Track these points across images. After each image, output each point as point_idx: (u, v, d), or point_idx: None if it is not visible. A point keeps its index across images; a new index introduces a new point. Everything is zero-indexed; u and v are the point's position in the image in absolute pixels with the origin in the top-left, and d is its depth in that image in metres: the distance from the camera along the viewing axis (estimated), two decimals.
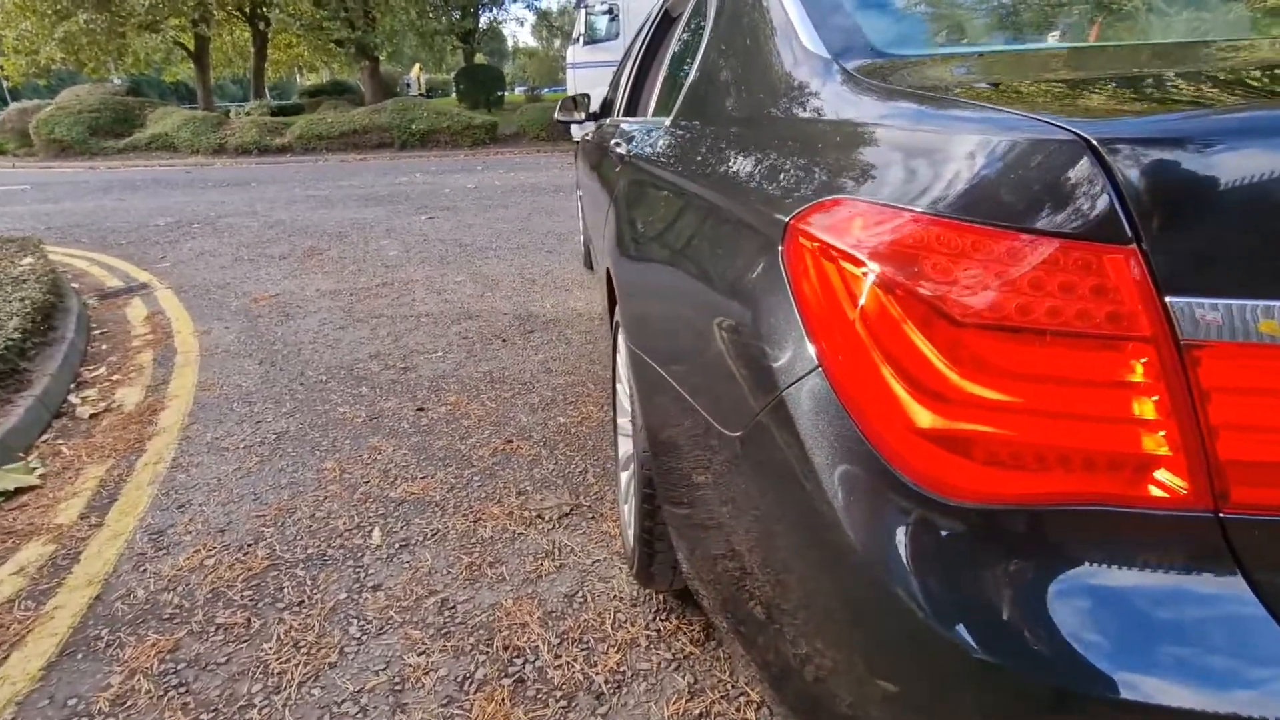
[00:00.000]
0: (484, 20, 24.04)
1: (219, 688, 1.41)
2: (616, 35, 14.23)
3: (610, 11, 14.38)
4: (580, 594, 1.65)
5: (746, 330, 0.80)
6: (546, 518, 1.96)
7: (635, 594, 1.64)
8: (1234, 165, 0.49)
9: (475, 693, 1.37)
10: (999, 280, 0.55)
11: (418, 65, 33.92)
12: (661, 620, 1.56)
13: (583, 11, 14.43)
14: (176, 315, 4.01)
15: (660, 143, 1.45)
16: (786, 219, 0.74)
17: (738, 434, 0.81)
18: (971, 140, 0.60)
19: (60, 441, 2.52)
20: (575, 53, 14.59)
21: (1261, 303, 0.49)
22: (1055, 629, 0.53)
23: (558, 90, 31.66)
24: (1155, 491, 0.53)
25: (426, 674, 1.42)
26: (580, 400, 2.72)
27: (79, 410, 2.77)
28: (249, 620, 1.60)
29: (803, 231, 0.71)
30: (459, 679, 1.41)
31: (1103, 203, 0.51)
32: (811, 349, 0.68)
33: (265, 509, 2.04)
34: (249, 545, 1.88)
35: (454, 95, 23.91)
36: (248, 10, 18.78)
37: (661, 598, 1.62)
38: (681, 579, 1.40)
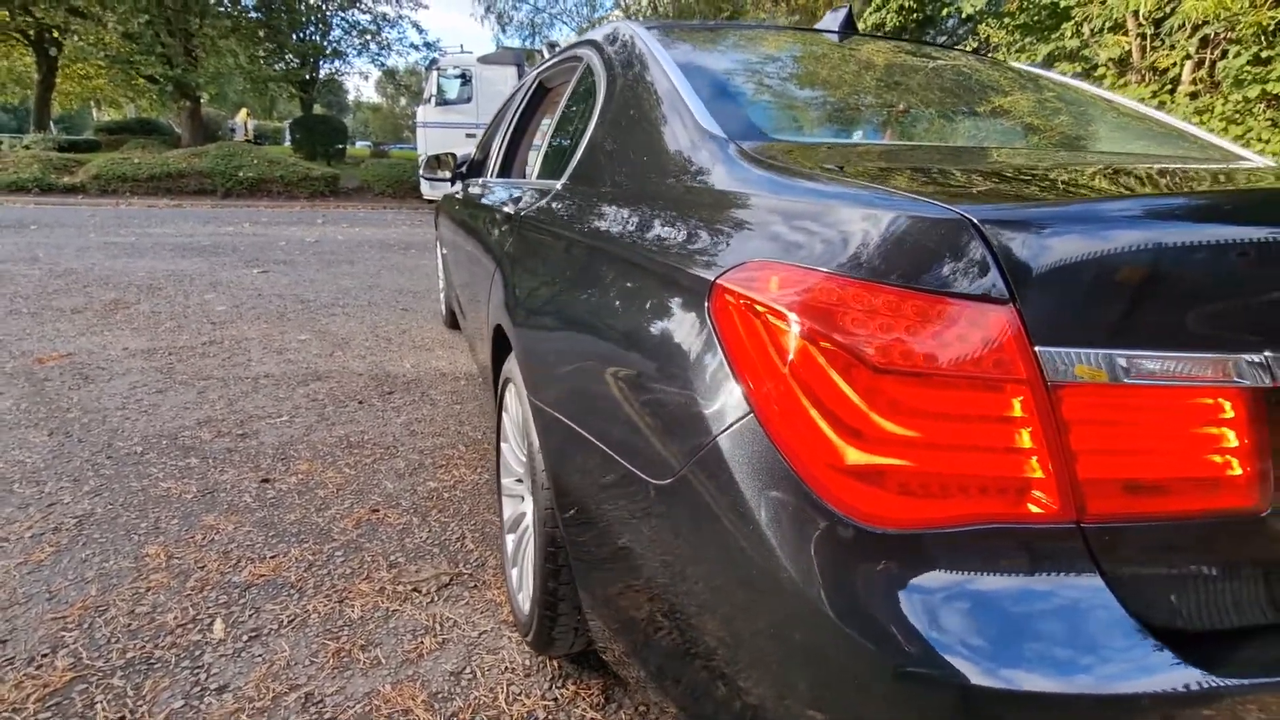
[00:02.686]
0: (324, 71, 23.11)
1: None
2: (469, 99, 14.41)
3: (463, 76, 14.56)
4: (468, 670, 1.54)
5: (673, 381, 0.84)
6: (424, 590, 1.82)
7: (528, 663, 1.57)
8: (1078, 243, 0.63)
9: None
10: (908, 333, 0.64)
11: (245, 110, 31.62)
12: (558, 688, 1.49)
13: (434, 74, 14.45)
14: None
15: (558, 205, 1.49)
16: (712, 278, 0.80)
17: (667, 481, 0.83)
18: (873, 215, 0.70)
19: None
20: (426, 112, 14.50)
21: (1102, 351, 0.62)
22: (974, 634, 0.61)
23: (404, 147, 31.00)
24: (1033, 508, 0.64)
25: None
26: (451, 463, 2.59)
27: None
28: None
29: (728, 289, 0.77)
30: None
31: (985, 270, 0.62)
32: (743, 396, 0.73)
33: (65, 609, 1.69)
34: (43, 656, 1.53)
35: (288, 144, 22.53)
36: (32, 34, 16.49)
37: (556, 664, 1.56)
38: (584, 640, 1.37)
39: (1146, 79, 6.57)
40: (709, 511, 0.76)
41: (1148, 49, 6.55)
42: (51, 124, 21.21)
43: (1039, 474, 0.63)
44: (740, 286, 0.76)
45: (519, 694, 1.47)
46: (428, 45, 23.14)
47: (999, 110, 1.63)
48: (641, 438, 0.90)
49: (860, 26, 10.12)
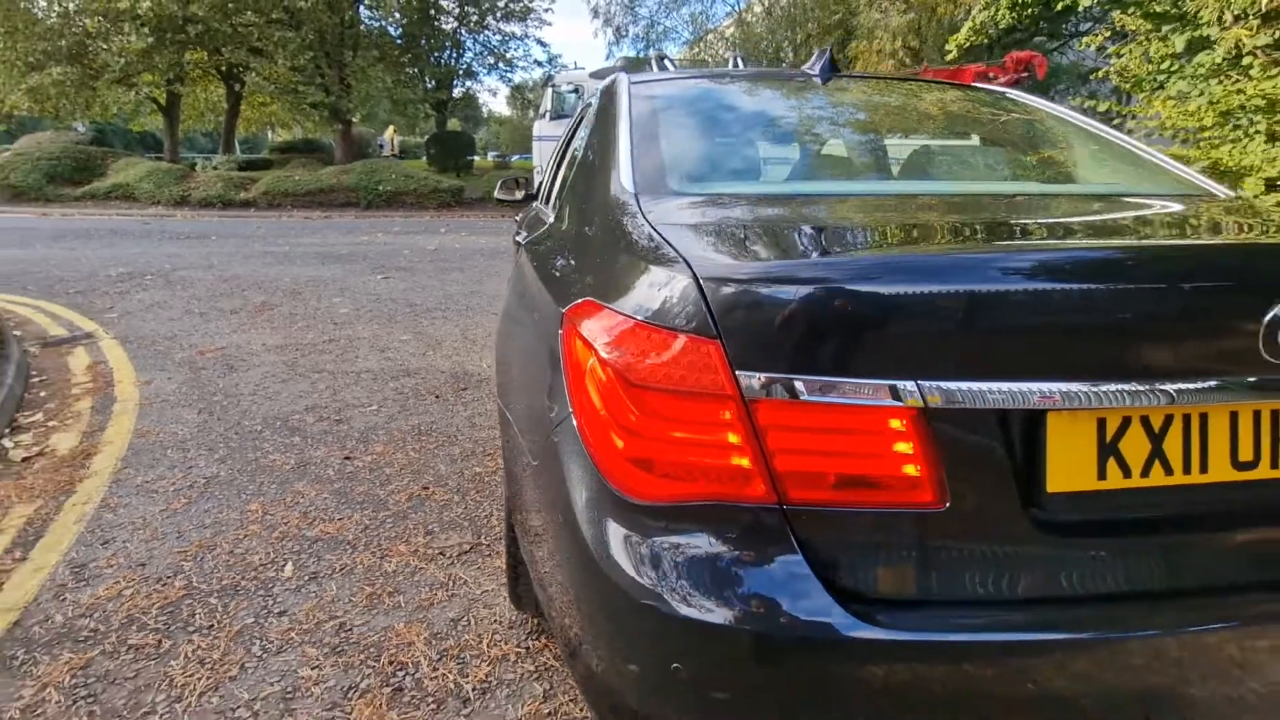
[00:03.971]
0: (458, 90, 25.08)
1: (125, 697, 1.58)
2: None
3: (576, 90, 15.34)
4: (465, 618, 1.87)
5: (544, 386, 1.10)
6: (448, 555, 2.18)
7: (514, 618, 1.87)
8: (768, 294, 0.83)
9: (357, 699, 1.57)
10: (657, 358, 0.86)
11: (392, 127, 34.88)
12: (532, 639, 1.78)
13: (549, 89, 15.35)
14: (119, 365, 4.15)
15: (535, 233, 1.79)
16: (564, 309, 1.05)
17: (536, 463, 1.10)
18: (648, 269, 0.93)
19: None
20: (541, 126, 15.40)
21: (785, 375, 0.81)
22: (694, 580, 0.83)
23: (524, 157, 32.82)
24: (750, 492, 0.84)
25: (316, 684, 1.62)
26: (498, 452, 2.96)
27: (11, 454, 2.89)
28: (160, 641, 1.77)
29: (569, 319, 1.02)
30: (345, 688, 1.61)
31: (700, 313, 0.83)
32: (568, 401, 0.98)
33: (187, 546, 2.22)
34: (168, 577, 2.05)
35: (424, 159, 24.67)
36: (224, 70, 19.33)
37: (535, 621, 1.85)
38: None
39: None
40: (551, 488, 1.02)
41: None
42: (236, 145, 24.67)
43: (749, 465, 0.83)
44: (570, 317, 1.01)
45: (499, 640, 1.78)
46: (550, 61, 24.44)
47: (936, 150, 1.73)
48: (530, 428, 1.16)
49: (968, 26, 9.61)
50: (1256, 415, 0.88)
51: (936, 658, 0.80)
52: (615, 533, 0.89)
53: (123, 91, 17.36)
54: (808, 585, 0.81)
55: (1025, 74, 12.49)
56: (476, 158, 26.00)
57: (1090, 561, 0.85)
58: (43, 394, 3.66)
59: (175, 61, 16.58)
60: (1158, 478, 0.86)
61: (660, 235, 1.01)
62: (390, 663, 1.69)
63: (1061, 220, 1.26)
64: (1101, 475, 0.85)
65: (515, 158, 37.15)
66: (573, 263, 1.19)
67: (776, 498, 0.83)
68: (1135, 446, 0.85)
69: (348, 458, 2.89)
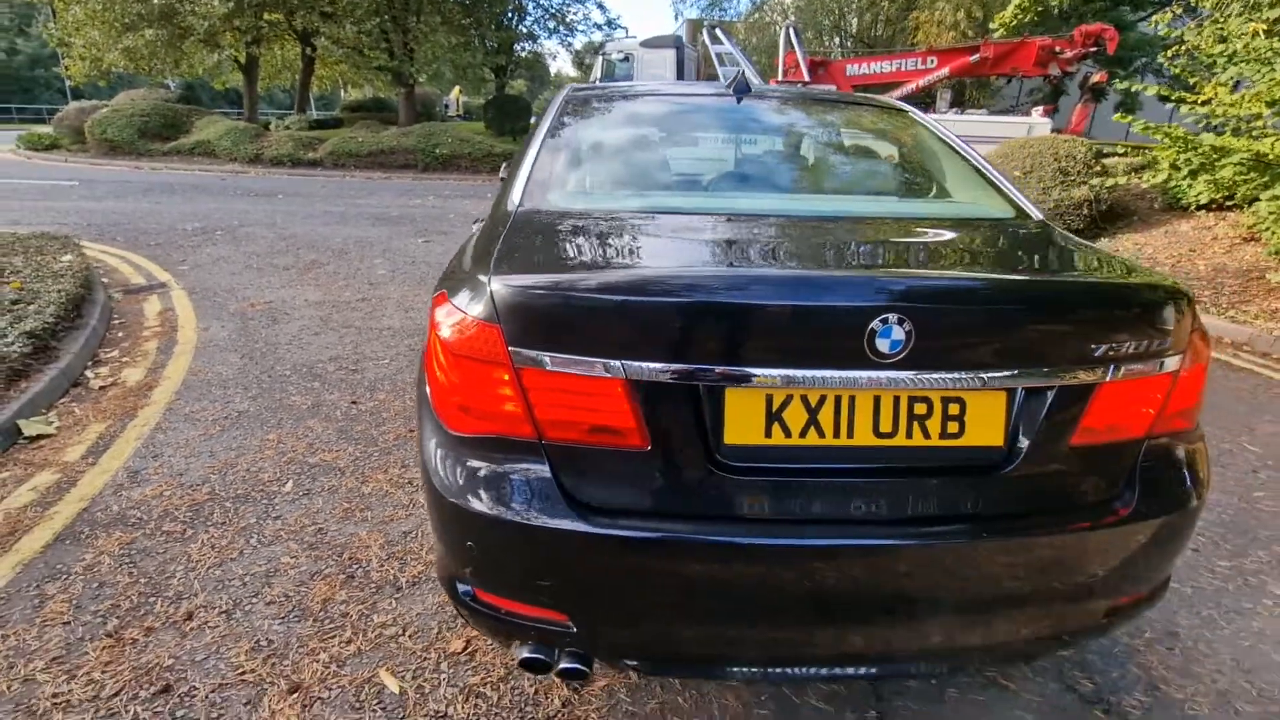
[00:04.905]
0: (524, 50, 25.27)
1: (156, 564, 2.12)
2: (629, 77, 15.29)
3: (627, 58, 15.48)
4: (415, 532, 2.34)
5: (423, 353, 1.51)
6: (414, 484, 2.66)
7: None
8: (528, 293, 1.19)
9: (319, 580, 2.07)
10: (467, 336, 1.25)
11: (457, 88, 35.54)
12: None
13: (600, 57, 15.54)
14: (184, 313, 4.81)
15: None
16: (436, 294, 1.45)
17: (418, 406, 1.51)
18: (478, 273, 1.30)
19: (74, 404, 3.28)
20: None
21: (536, 351, 1.18)
22: (483, 486, 1.23)
23: None
24: (522, 431, 1.23)
25: (292, 568, 2.12)
26: None
27: (91, 382, 3.53)
28: (184, 530, 2.31)
29: (432, 305, 1.42)
30: (311, 573, 2.11)
31: (489, 306, 1.21)
32: (424, 364, 1.38)
33: (215, 463, 2.77)
34: (198, 484, 2.60)
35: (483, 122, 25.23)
36: (299, 30, 20.26)
37: None
38: None
39: None
40: (420, 424, 1.43)
41: None
42: (311, 102, 25.80)
43: (520, 413, 1.22)
44: (434, 303, 1.40)
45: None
46: (609, 24, 24.40)
47: (780, 167, 2.02)
48: (418, 382, 1.58)
49: (1015, 4, 9.23)
50: (896, 400, 1.20)
51: (631, 548, 1.19)
52: (442, 456, 1.30)
53: (207, 52, 18.47)
54: (552, 495, 1.20)
55: (1095, 48, 11.87)
56: (532, 122, 26.35)
57: (752, 491, 1.21)
58: (120, 334, 4.33)
59: (253, 24, 17.49)
60: (813, 439, 1.20)
61: (497, 246, 1.38)
62: (350, 559, 2.18)
63: (798, 240, 1.51)
64: (768, 434, 1.20)
65: None
66: (458, 261, 1.58)
67: (537, 436, 1.22)
68: (795, 416, 1.20)
69: (354, 402, 3.40)
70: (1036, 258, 1.54)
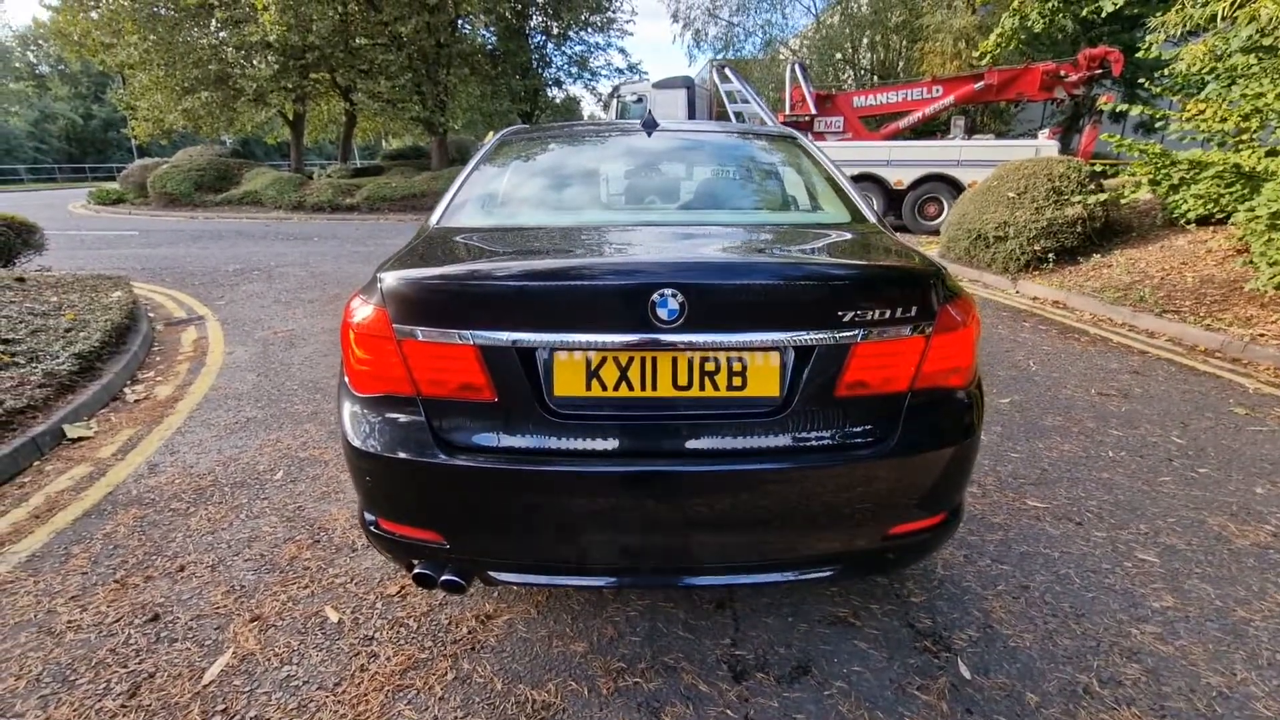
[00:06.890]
0: (549, 96, 26.49)
1: (160, 532, 2.55)
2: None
3: (640, 100, 16.23)
4: None
5: None
6: None
7: None
8: (406, 283, 1.58)
9: (290, 542, 2.46)
10: (365, 318, 1.64)
11: (491, 133, 37.23)
12: None
13: (615, 99, 16.32)
14: (215, 340, 5.39)
15: None
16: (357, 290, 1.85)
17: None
18: (380, 272, 1.70)
19: (111, 414, 3.80)
20: None
21: (409, 326, 1.55)
22: (375, 433, 1.61)
23: None
24: (405, 389, 1.60)
25: (269, 535, 2.52)
26: None
27: (128, 397, 4.07)
28: (188, 508, 2.74)
29: (349, 300, 1.81)
30: (285, 538, 2.50)
31: (379, 294, 1.60)
32: (342, 344, 1.78)
33: (221, 457, 3.22)
34: (204, 474, 3.04)
35: None
36: (342, 86, 21.79)
37: None
38: None
39: None
40: (338, 396, 1.82)
41: None
42: (355, 152, 27.40)
43: (404, 375, 1.59)
44: (350, 299, 1.80)
45: None
46: (630, 69, 25.44)
47: (665, 185, 2.39)
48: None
49: (996, 33, 9.51)
50: (691, 360, 1.54)
51: (484, 477, 1.54)
52: (351, 413, 1.68)
53: (256, 110, 20.01)
54: (427, 437, 1.57)
55: (1099, 70, 12.02)
56: None
57: (576, 431, 1.55)
58: (158, 359, 4.91)
59: (298, 84, 18.93)
60: (624, 391, 1.55)
61: (402, 253, 1.78)
62: (319, 528, 2.57)
63: (626, 239, 1.87)
64: (588, 388, 1.55)
65: None
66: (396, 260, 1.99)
67: (415, 392, 1.59)
68: (609, 373, 1.54)
69: None
70: (824, 246, 1.86)
